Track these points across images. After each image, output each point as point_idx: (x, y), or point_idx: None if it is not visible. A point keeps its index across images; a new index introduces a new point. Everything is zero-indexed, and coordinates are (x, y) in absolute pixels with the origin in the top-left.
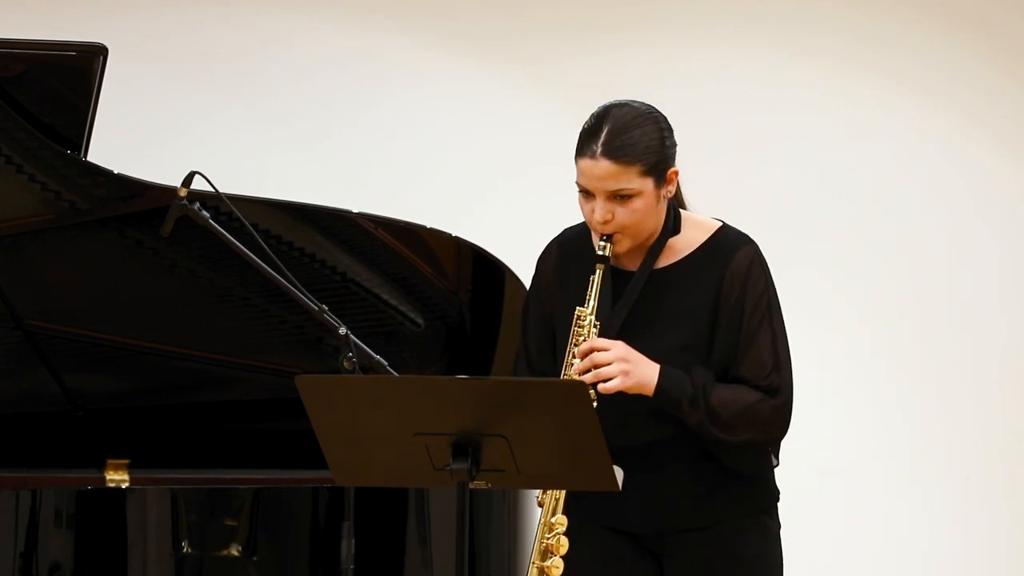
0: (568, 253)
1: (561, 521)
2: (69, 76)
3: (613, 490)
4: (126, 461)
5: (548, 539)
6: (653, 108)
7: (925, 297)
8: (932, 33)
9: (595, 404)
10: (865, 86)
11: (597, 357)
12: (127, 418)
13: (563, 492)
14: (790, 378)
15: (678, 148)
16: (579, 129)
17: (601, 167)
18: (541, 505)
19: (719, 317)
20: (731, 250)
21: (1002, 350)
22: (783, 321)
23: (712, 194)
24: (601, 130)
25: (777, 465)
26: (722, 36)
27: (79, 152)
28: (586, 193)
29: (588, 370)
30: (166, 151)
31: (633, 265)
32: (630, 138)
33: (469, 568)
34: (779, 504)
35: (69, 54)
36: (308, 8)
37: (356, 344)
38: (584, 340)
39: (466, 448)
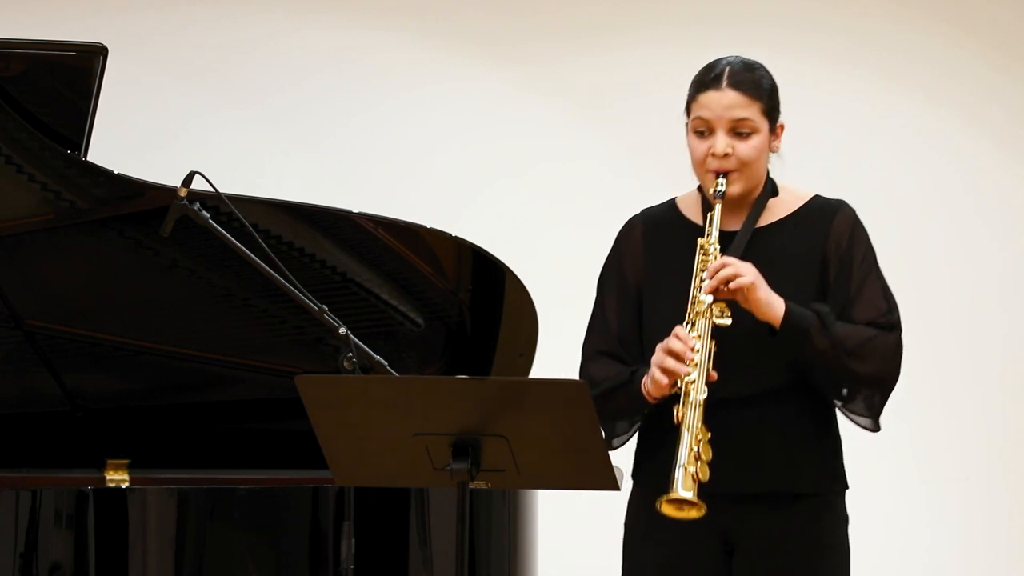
0: (654, 224)
1: (704, 431)
2: (69, 76)
3: (613, 490)
4: (126, 461)
5: (699, 444)
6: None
7: (925, 297)
8: (932, 33)
9: (728, 322)
10: (865, 86)
11: (729, 270)
12: (127, 418)
13: (703, 405)
14: (900, 321)
15: (679, 148)
16: (579, 129)
17: (728, 97)
18: (679, 421)
19: (827, 270)
20: (832, 209)
21: (1002, 350)
22: (883, 276)
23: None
24: (725, 69)
25: (879, 430)
26: (722, 36)
27: (79, 152)
28: (703, 133)
29: (720, 272)
30: (166, 151)
31: (733, 226)
32: (754, 76)
33: (469, 568)
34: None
35: (69, 54)
36: (308, 8)
37: (356, 344)
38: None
39: (466, 448)
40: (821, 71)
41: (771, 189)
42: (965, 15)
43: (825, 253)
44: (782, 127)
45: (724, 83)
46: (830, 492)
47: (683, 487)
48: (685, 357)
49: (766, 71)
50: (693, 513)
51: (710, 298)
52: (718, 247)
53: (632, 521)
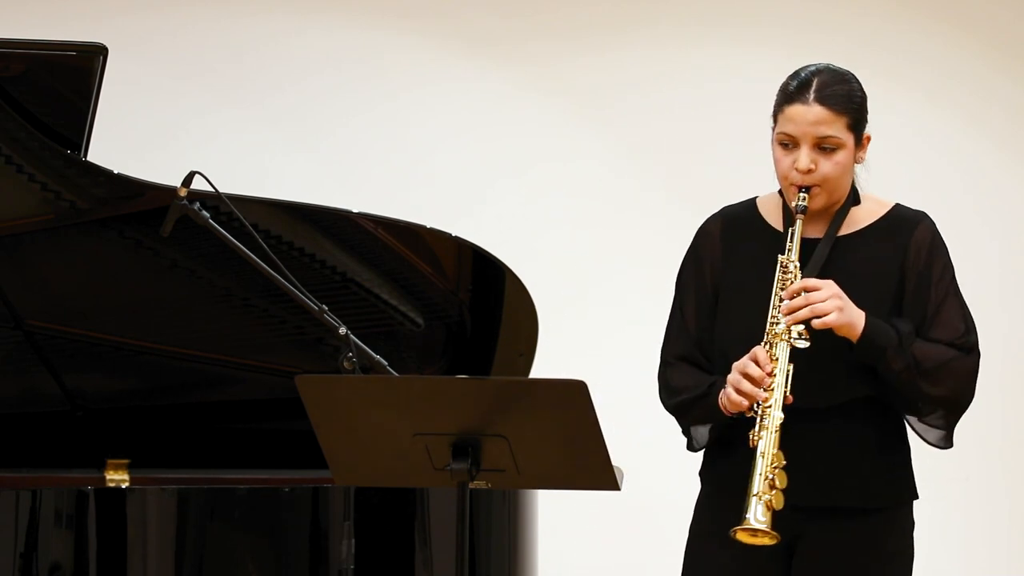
0: (733, 226)
1: (780, 457)
2: (69, 76)
3: (613, 490)
4: (126, 461)
5: (774, 472)
6: (853, 73)
7: None
8: (932, 33)
9: (806, 344)
10: (865, 86)
11: (812, 295)
12: (127, 418)
13: (779, 430)
14: (978, 344)
15: (679, 147)
16: (579, 129)
17: (814, 112)
18: (754, 445)
19: (905, 284)
20: (914, 222)
21: (1002, 350)
22: (961, 294)
23: (712, 194)
24: (812, 81)
25: (951, 447)
26: (722, 36)
27: (79, 152)
28: (787, 146)
29: (802, 307)
30: (166, 151)
31: (815, 233)
32: (842, 89)
33: (469, 568)
34: None
35: (69, 54)
36: (308, 8)
37: (356, 344)
38: (792, 283)
39: (466, 448)
40: None
41: (854, 198)
42: (965, 15)
43: (904, 266)
44: (868, 138)
45: (811, 97)
46: (898, 505)
47: (757, 517)
48: (763, 383)
49: (855, 82)
50: (767, 541)
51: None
52: (798, 265)
53: (698, 521)
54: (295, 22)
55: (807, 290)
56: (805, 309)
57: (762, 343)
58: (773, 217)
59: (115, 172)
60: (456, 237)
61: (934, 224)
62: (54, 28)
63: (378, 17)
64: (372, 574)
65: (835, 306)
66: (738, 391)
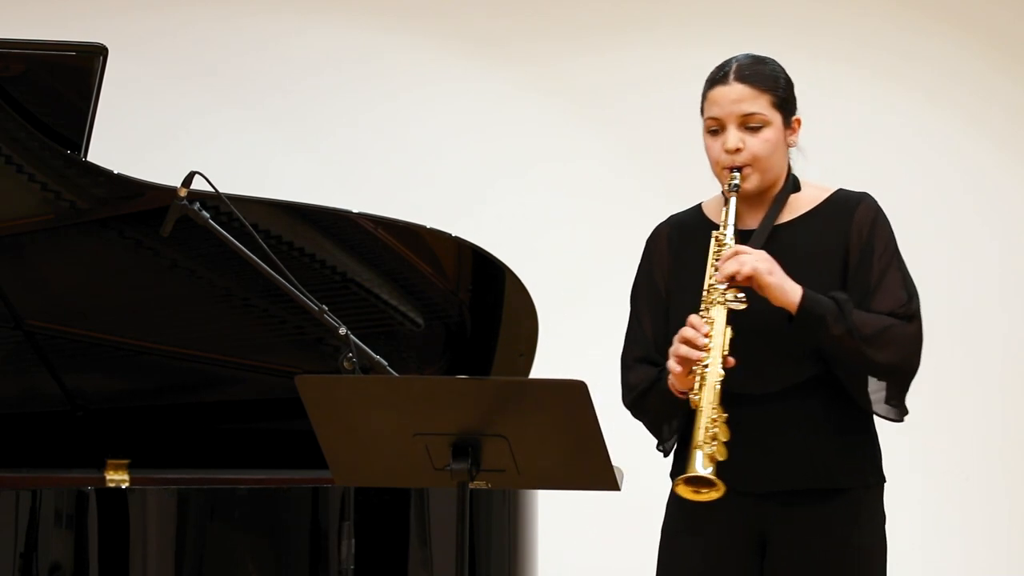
0: (681, 230)
1: (721, 412)
2: (69, 76)
3: (613, 490)
4: (126, 461)
5: (715, 424)
6: (774, 59)
7: (925, 297)
8: (932, 33)
9: (742, 306)
10: (865, 86)
11: (743, 256)
12: (127, 418)
13: (719, 387)
14: (920, 311)
15: (678, 147)
16: (579, 129)
17: (736, 90)
18: (695, 407)
19: (848, 261)
20: (855, 202)
21: (1002, 350)
22: (906, 266)
23: (712, 193)
24: (732, 64)
25: (907, 414)
26: (722, 36)
27: (79, 152)
28: (716, 132)
29: (734, 274)
30: (166, 151)
31: (754, 223)
32: (762, 69)
33: (469, 568)
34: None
35: (69, 54)
36: (308, 8)
37: (356, 344)
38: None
39: (466, 448)
40: (821, 71)
41: (792, 185)
42: (965, 15)
43: (847, 247)
44: (799, 121)
45: (731, 78)
46: (864, 487)
47: (701, 465)
48: (697, 342)
49: (777, 65)
50: (713, 495)
51: (723, 285)
52: (733, 239)
53: (669, 520)
54: (295, 22)
55: (742, 252)
56: (732, 261)
57: (699, 311)
58: (717, 215)
59: (115, 172)
60: (456, 237)
61: (876, 202)
62: (54, 28)
63: (378, 17)
64: (372, 574)
65: (766, 267)
66: (676, 357)
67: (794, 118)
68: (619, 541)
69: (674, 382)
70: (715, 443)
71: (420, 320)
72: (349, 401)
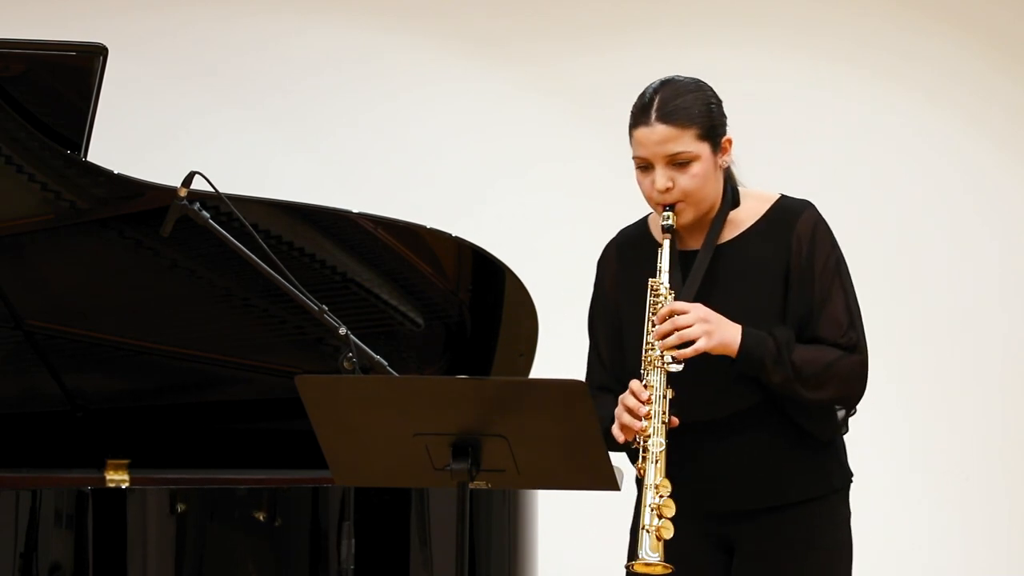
0: (626, 248)
1: (666, 484)
2: (69, 76)
3: (613, 490)
4: (126, 461)
5: (658, 501)
6: (700, 80)
7: (925, 297)
8: (932, 33)
9: (679, 368)
10: (865, 86)
11: (679, 320)
12: (127, 418)
13: (662, 456)
14: (864, 336)
15: None
16: (579, 129)
17: (658, 132)
18: (641, 475)
19: (790, 278)
20: (794, 215)
21: (1002, 350)
22: (851, 280)
23: None
24: (653, 100)
25: (847, 432)
26: (722, 36)
27: (79, 152)
28: (644, 168)
29: (669, 333)
30: (166, 151)
31: (696, 244)
32: (683, 102)
33: (469, 568)
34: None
35: (69, 54)
36: (308, 8)
37: (356, 344)
38: (662, 307)
39: (466, 448)
40: (821, 71)
41: (732, 200)
42: (965, 15)
43: (788, 261)
44: (729, 141)
45: (653, 117)
46: (826, 493)
47: (648, 552)
48: (639, 412)
49: (702, 90)
50: (659, 571)
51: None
52: (668, 287)
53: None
54: (295, 22)
55: (675, 313)
56: (673, 336)
57: (640, 370)
58: (660, 232)
59: (115, 172)
60: (456, 237)
61: (817, 212)
62: (54, 28)
63: (378, 17)
64: (372, 574)
65: (702, 331)
66: (620, 425)
67: (724, 139)
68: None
69: (617, 435)
70: (661, 520)
71: (420, 320)
72: (349, 401)
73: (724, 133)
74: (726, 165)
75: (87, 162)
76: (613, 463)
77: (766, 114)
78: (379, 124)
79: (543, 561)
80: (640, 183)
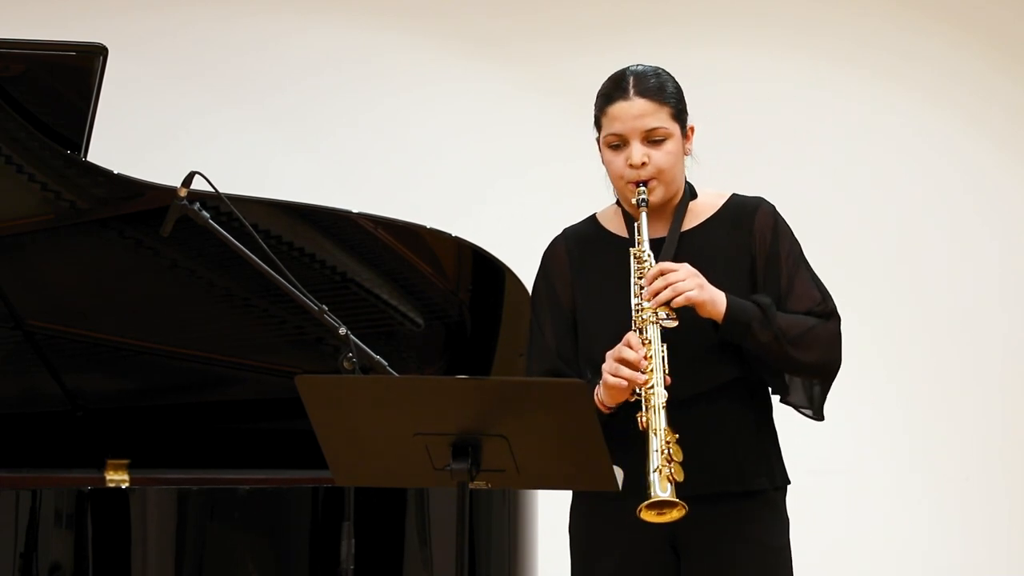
0: (578, 243)
1: (671, 432)
2: (69, 76)
3: (613, 490)
4: (126, 461)
5: (668, 446)
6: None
7: (925, 297)
8: (932, 33)
9: (675, 323)
10: (865, 86)
11: (671, 276)
12: (127, 418)
13: (663, 406)
14: (837, 308)
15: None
16: (579, 129)
17: (637, 105)
18: (644, 426)
19: (755, 267)
20: (752, 207)
21: (1002, 350)
22: (810, 265)
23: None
24: (628, 78)
25: (822, 419)
26: (722, 36)
27: (79, 152)
28: (616, 147)
29: (663, 287)
30: (166, 151)
31: (660, 232)
32: (657, 82)
33: (469, 568)
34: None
35: (69, 54)
36: (308, 8)
37: (356, 344)
38: (648, 270)
39: (466, 448)
40: (821, 71)
41: (690, 192)
42: (965, 15)
43: (752, 251)
44: (692, 129)
45: (631, 92)
46: (772, 489)
47: (661, 489)
48: (640, 365)
49: (669, 75)
50: (675, 514)
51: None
52: (651, 253)
53: (577, 533)
54: (295, 22)
55: (664, 272)
56: (667, 289)
57: (632, 329)
58: (615, 226)
59: (115, 172)
60: (456, 237)
61: (773, 207)
62: (54, 28)
63: (378, 17)
64: (372, 574)
65: (695, 284)
66: (617, 377)
67: (689, 126)
68: None
69: (604, 399)
70: (671, 464)
71: (420, 320)
72: (349, 401)
73: (688, 119)
74: (689, 153)
75: (87, 162)
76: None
77: (766, 114)
78: (379, 124)
79: (543, 561)
80: (610, 163)
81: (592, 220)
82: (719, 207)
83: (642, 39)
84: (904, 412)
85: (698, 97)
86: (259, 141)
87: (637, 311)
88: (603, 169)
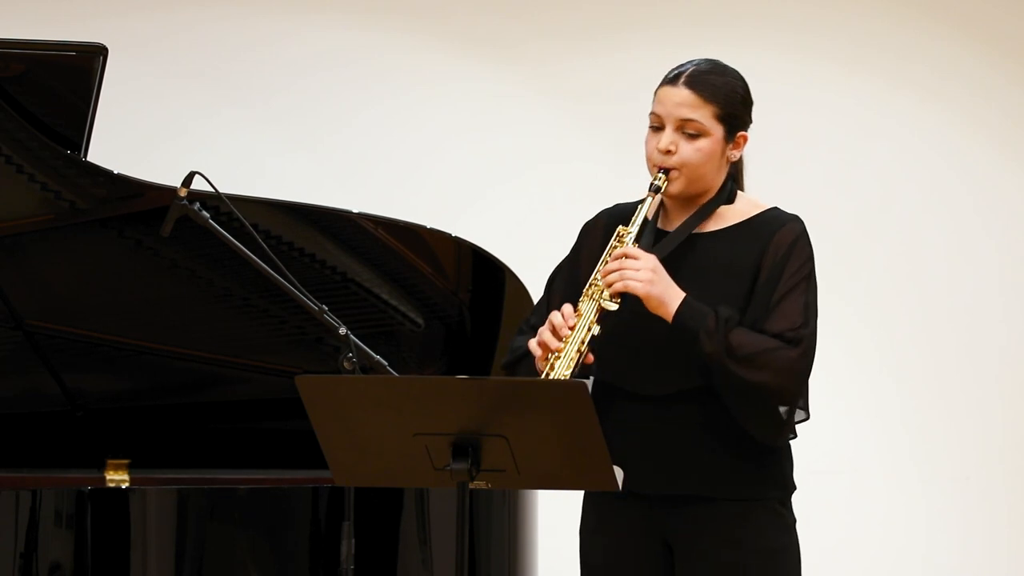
0: (616, 220)
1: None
2: (69, 76)
3: (613, 490)
4: (126, 461)
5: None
6: (741, 74)
7: (925, 297)
8: (932, 33)
9: (614, 307)
10: (865, 86)
11: (627, 262)
12: (127, 418)
13: (566, 376)
14: (814, 341)
15: None
16: (580, 129)
17: (680, 94)
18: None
19: (758, 277)
20: (780, 222)
21: (1002, 350)
22: (816, 295)
23: None
24: (688, 68)
25: (795, 437)
26: (722, 36)
27: (79, 152)
28: (656, 128)
29: (615, 271)
30: (166, 151)
31: (676, 225)
32: (715, 79)
33: (469, 568)
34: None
35: (69, 54)
36: (308, 8)
37: (356, 344)
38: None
39: (466, 448)
40: (821, 71)
41: (727, 196)
42: (965, 15)
43: (760, 262)
44: (744, 138)
45: (681, 80)
46: (761, 498)
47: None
48: (560, 332)
49: (734, 78)
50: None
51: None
52: (633, 236)
53: (583, 517)
54: (295, 22)
55: (627, 256)
56: (616, 273)
57: (579, 302)
58: (653, 211)
59: (115, 172)
60: (456, 237)
61: (802, 227)
62: (54, 28)
63: (377, 17)
64: (372, 574)
65: (646, 278)
66: (539, 341)
67: (740, 134)
68: None
69: (534, 349)
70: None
71: (420, 320)
72: (349, 401)
73: (742, 128)
74: (734, 159)
75: (87, 162)
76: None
77: (766, 114)
78: (379, 124)
79: (543, 561)
80: (647, 142)
81: (635, 206)
82: (749, 216)
83: (642, 39)
84: (904, 412)
85: None
86: (259, 141)
87: (590, 284)
88: (602, 169)
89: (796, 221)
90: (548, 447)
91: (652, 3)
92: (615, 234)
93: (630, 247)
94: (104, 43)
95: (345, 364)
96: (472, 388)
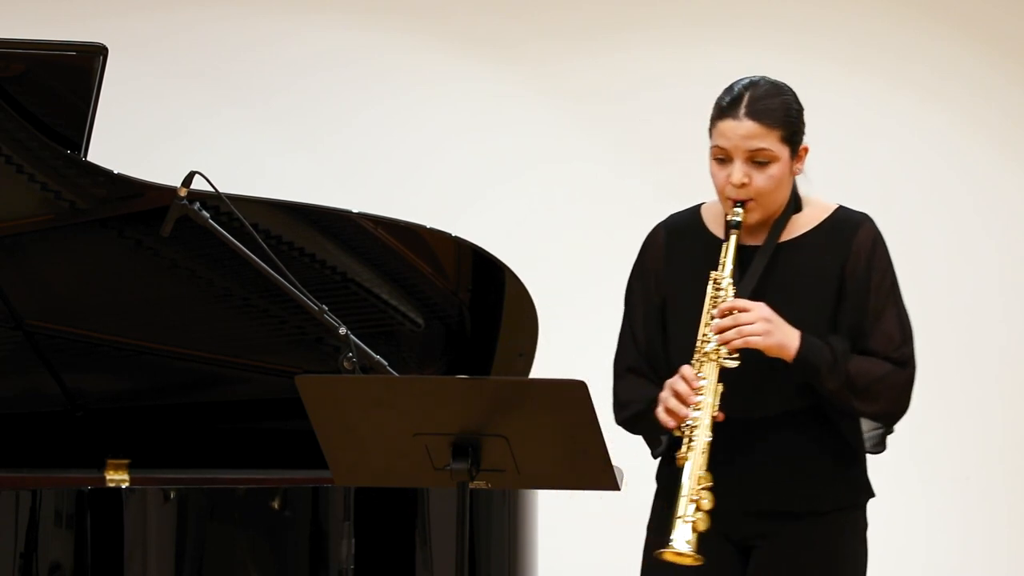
0: (675, 233)
1: (708, 477)
2: (69, 76)
3: (613, 490)
4: (126, 461)
5: (699, 493)
6: (786, 84)
7: (925, 297)
8: (932, 33)
9: (735, 364)
10: (865, 86)
11: (740, 316)
12: (127, 418)
13: (708, 449)
14: (915, 354)
15: (680, 148)
16: (580, 129)
17: (745, 127)
18: (681, 465)
19: (845, 289)
20: (854, 225)
21: (1002, 350)
22: (903, 299)
23: (712, 194)
24: (744, 95)
25: (884, 450)
26: (722, 36)
27: (79, 152)
28: (722, 160)
29: (731, 327)
30: (166, 151)
31: (754, 240)
32: (773, 103)
33: (469, 568)
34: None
35: (69, 54)
36: (308, 8)
37: (356, 344)
38: (723, 302)
39: (466, 448)
40: (821, 71)
41: (794, 206)
42: (965, 15)
43: (843, 272)
44: (806, 149)
45: (742, 112)
46: (850, 506)
47: (683, 540)
48: (689, 400)
49: (789, 95)
50: (691, 562)
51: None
52: (731, 282)
53: (653, 523)
54: (295, 22)
55: (737, 310)
56: (733, 331)
57: (692, 360)
58: (715, 225)
59: (115, 172)
60: (456, 237)
61: (876, 227)
62: (54, 28)
63: (377, 17)
64: (372, 574)
65: (763, 329)
66: (666, 409)
67: (802, 147)
68: (619, 541)
69: (663, 421)
70: (698, 514)
71: (420, 320)
72: (349, 401)
73: (802, 141)
74: (799, 173)
75: (87, 162)
76: (613, 463)
77: None
78: (379, 124)
79: (543, 561)
80: (714, 175)
81: (694, 211)
82: (821, 220)
83: (642, 39)
84: None
85: (699, 98)
86: (259, 141)
87: (702, 342)
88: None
89: (868, 221)
90: (548, 447)
91: (652, 3)
92: (711, 282)
93: (737, 300)
94: (104, 43)
95: (345, 364)
96: (472, 388)
